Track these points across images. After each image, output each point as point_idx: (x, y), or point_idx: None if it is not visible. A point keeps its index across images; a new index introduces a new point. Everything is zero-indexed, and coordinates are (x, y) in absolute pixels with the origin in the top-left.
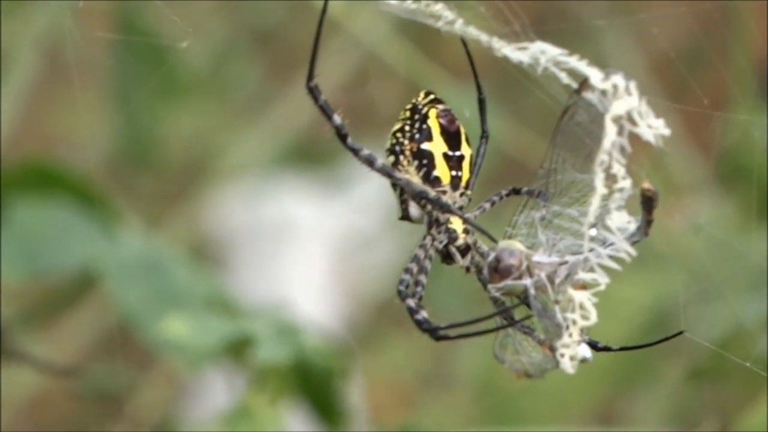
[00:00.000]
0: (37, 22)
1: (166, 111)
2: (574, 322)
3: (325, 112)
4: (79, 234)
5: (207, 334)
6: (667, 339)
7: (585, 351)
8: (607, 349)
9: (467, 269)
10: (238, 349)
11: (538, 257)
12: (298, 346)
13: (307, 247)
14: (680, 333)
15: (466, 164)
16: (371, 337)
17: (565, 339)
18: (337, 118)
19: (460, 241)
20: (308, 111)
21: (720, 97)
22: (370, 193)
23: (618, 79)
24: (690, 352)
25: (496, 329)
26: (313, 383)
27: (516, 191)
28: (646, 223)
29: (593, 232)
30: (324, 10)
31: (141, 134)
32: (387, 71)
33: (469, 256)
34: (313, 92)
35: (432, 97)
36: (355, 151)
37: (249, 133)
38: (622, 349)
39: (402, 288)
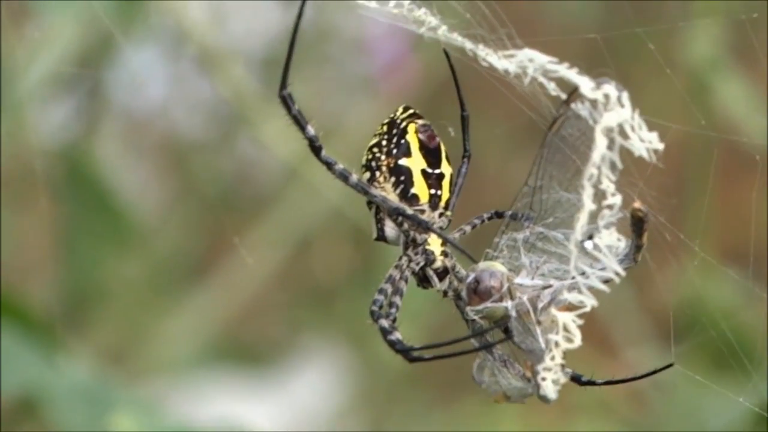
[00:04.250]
0: None
1: (108, 259)
2: (557, 344)
3: (299, 122)
4: (21, 360)
5: (155, 428)
6: (656, 372)
7: (551, 393)
8: (591, 383)
9: (444, 293)
10: None
11: (521, 279)
12: None
13: None
14: (670, 365)
15: (446, 183)
16: None
17: (547, 362)
18: (311, 129)
19: (438, 264)
20: (242, 297)
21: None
22: (308, 389)
23: (610, 88)
24: None
25: (472, 351)
26: None
27: (499, 215)
28: (636, 248)
29: (588, 244)
30: (299, 15)
31: (82, 280)
32: (335, 236)
33: (447, 280)
34: (286, 101)
35: (411, 111)
36: (329, 165)
37: (183, 320)
38: (607, 383)
39: (375, 308)
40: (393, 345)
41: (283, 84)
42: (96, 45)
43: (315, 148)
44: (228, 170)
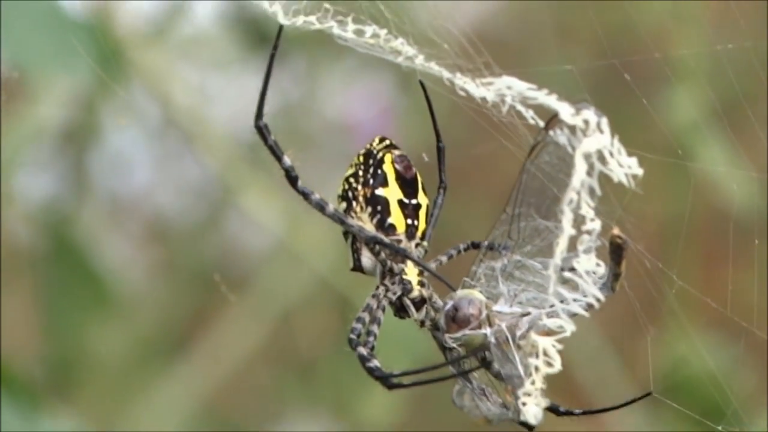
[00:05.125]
0: None
1: (91, 327)
2: (537, 369)
3: (275, 152)
4: (6, 426)
5: None
6: (634, 401)
7: (531, 418)
8: (569, 413)
9: (421, 323)
10: None
11: (499, 307)
12: None
13: None
14: (648, 394)
15: (422, 214)
16: None
17: (527, 387)
18: (287, 160)
19: (415, 293)
20: (227, 370)
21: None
22: None
23: (589, 114)
24: None
25: (450, 377)
26: None
27: (475, 245)
28: (614, 277)
29: (567, 271)
30: (276, 45)
31: (66, 351)
32: (319, 307)
33: (424, 310)
34: (262, 131)
35: (387, 142)
36: (306, 195)
37: (167, 393)
38: (585, 413)
39: (353, 336)
40: (371, 372)
41: (259, 115)
42: (80, 124)
43: (291, 179)
44: (213, 246)
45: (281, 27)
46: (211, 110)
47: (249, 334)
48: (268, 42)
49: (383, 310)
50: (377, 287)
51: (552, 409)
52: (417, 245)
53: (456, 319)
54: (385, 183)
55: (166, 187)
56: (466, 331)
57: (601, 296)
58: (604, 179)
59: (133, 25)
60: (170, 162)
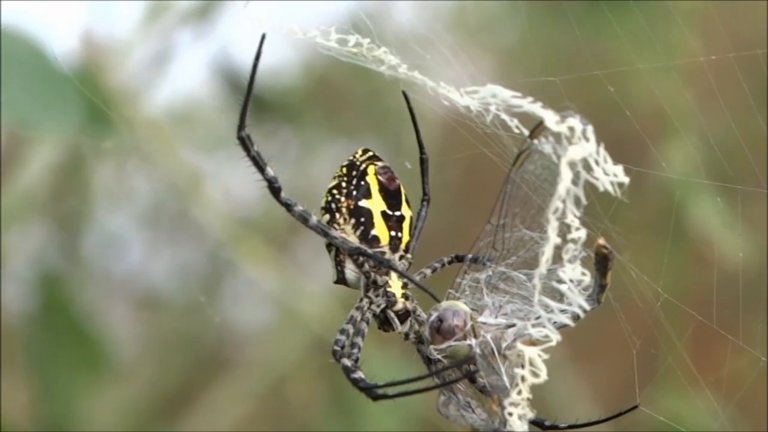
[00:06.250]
0: None
1: (84, 394)
2: (524, 379)
3: (257, 163)
4: None
5: None
6: (621, 414)
7: (518, 428)
8: (554, 427)
9: (406, 336)
10: None
11: (484, 318)
12: None
13: None
14: (635, 407)
15: (406, 225)
16: None
17: (514, 397)
18: (270, 171)
19: (399, 306)
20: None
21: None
22: None
23: (575, 122)
24: None
25: (435, 388)
26: None
27: (459, 258)
28: (599, 288)
29: (554, 283)
30: (258, 54)
31: (57, 414)
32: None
33: (408, 323)
34: (245, 142)
35: (370, 153)
36: (288, 206)
37: None
38: (570, 426)
39: (337, 348)
40: (356, 383)
41: (242, 125)
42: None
43: (274, 190)
44: (206, 319)
45: (263, 35)
46: (204, 181)
47: (240, 403)
48: (264, 117)
49: (367, 322)
50: (361, 299)
51: (537, 423)
52: (401, 257)
53: (441, 331)
54: (368, 194)
55: (160, 260)
56: (451, 343)
57: (587, 306)
58: (590, 188)
59: (124, 85)
60: (163, 234)
